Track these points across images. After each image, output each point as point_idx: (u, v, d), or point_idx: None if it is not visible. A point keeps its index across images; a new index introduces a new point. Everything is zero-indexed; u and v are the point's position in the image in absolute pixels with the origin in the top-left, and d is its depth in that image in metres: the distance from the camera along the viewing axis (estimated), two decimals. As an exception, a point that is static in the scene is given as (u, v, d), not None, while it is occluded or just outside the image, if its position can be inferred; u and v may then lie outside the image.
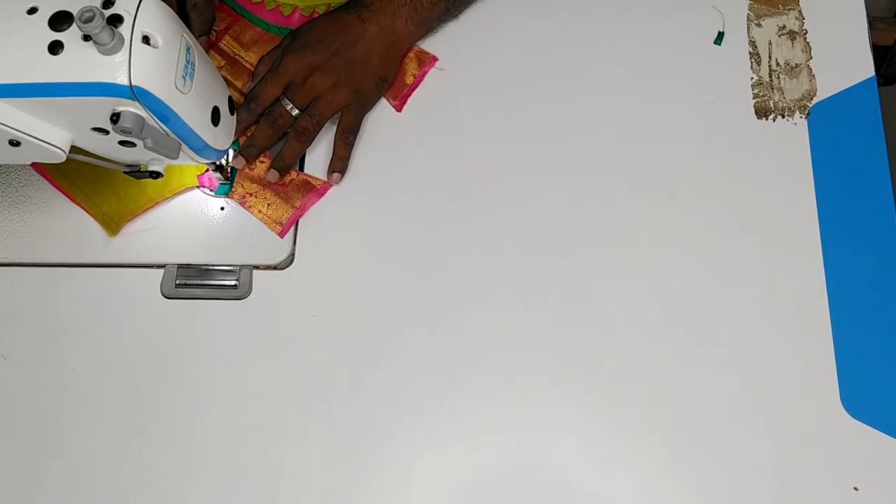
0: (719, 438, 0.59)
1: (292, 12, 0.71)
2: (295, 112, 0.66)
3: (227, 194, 0.66)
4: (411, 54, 0.70)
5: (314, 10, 0.71)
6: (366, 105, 0.68)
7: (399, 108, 0.69)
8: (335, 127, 0.68)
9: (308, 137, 0.66)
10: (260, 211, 0.66)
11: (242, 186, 0.66)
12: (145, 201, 0.66)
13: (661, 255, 0.64)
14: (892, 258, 0.63)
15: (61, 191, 0.67)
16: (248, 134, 0.67)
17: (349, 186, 0.67)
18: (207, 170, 0.66)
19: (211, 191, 0.66)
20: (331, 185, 0.66)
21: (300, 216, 0.66)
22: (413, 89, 0.70)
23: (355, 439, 0.60)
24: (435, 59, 0.70)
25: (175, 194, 0.66)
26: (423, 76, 0.70)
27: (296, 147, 0.66)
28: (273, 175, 0.66)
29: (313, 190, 0.66)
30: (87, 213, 0.66)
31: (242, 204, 0.66)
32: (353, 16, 0.67)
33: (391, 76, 0.69)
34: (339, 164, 0.67)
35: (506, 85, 0.70)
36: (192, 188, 0.66)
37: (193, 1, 0.67)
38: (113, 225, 0.65)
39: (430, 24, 0.69)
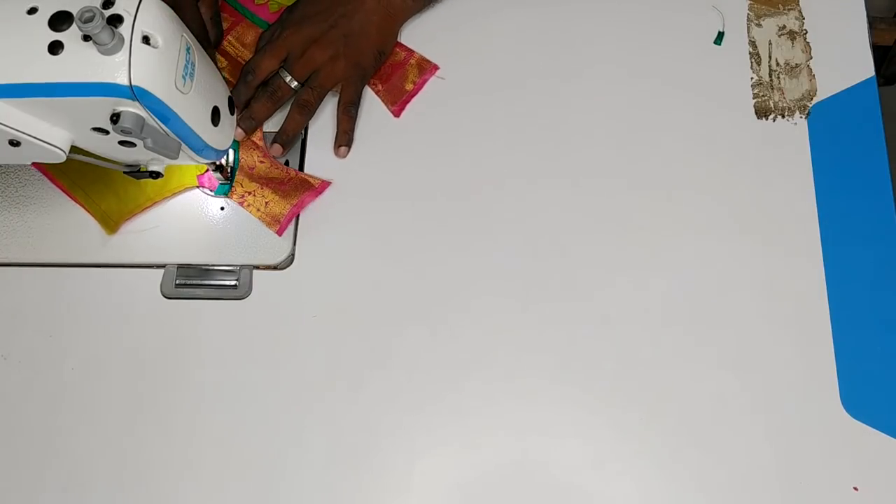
0: (719, 438, 0.59)
1: None
2: (294, 84, 0.66)
3: (226, 194, 0.66)
4: (412, 61, 0.70)
5: None
6: (364, 78, 0.69)
7: (397, 114, 0.69)
8: (335, 100, 0.68)
9: (310, 110, 0.67)
10: (258, 209, 0.66)
11: (241, 185, 0.66)
12: (144, 200, 0.66)
13: (661, 255, 0.64)
14: (892, 258, 0.63)
15: (62, 188, 0.67)
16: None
17: (349, 186, 0.67)
18: (207, 170, 0.66)
19: (211, 191, 0.66)
20: (328, 184, 0.66)
21: (298, 212, 0.66)
22: (412, 96, 0.70)
23: (355, 439, 0.60)
24: (436, 67, 0.70)
25: (174, 194, 0.66)
26: (423, 84, 0.70)
27: (298, 120, 0.67)
28: (276, 149, 0.67)
29: (311, 188, 0.66)
30: (87, 211, 0.66)
31: (241, 203, 0.66)
32: None
33: (388, 49, 0.70)
34: (345, 137, 0.67)
35: (505, 85, 0.70)
36: (191, 188, 0.66)
37: (209, 14, 0.68)
38: (112, 223, 0.65)
39: None
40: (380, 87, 0.70)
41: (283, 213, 0.65)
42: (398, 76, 0.70)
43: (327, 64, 0.66)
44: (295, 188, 0.66)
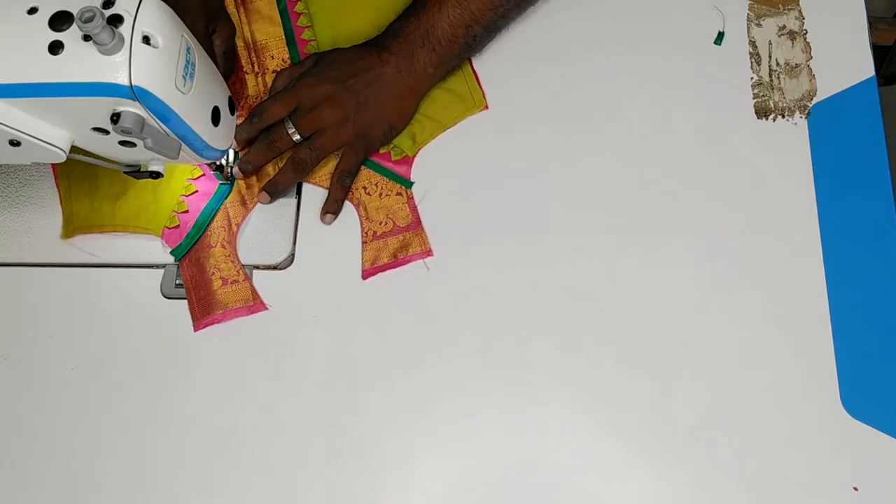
0: (719, 438, 0.59)
1: None
2: (296, 137, 0.65)
3: (185, 251, 0.64)
4: (414, 233, 0.65)
5: None
6: (369, 150, 0.66)
7: (365, 278, 0.64)
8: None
9: (305, 170, 0.65)
10: (193, 289, 0.64)
11: (195, 261, 0.64)
12: (109, 223, 0.65)
13: (660, 255, 0.64)
14: (892, 258, 0.63)
15: (53, 171, 0.67)
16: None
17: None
18: (177, 226, 0.65)
19: (170, 247, 0.65)
20: (265, 308, 0.63)
21: (220, 321, 0.63)
22: (390, 267, 0.64)
23: (356, 439, 0.60)
24: (429, 253, 0.64)
25: (137, 231, 0.65)
26: (407, 262, 0.64)
27: (290, 177, 0.65)
28: (264, 197, 0.65)
29: (247, 304, 0.63)
30: (60, 203, 0.66)
31: (183, 275, 0.64)
32: (373, 55, 0.65)
33: (402, 125, 0.67)
34: (334, 205, 0.65)
35: (505, 84, 0.70)
36: (154, 237, 0.65)
37: (223, 48, 0.67)
38: (70, 228, 0.65)
39: (451, 64, 0.66)
40: (370, 241, 0.65)
41: (211, 313, 0.63)
42: (392, 241, 0.65)
43: (334, 126, 0.64)
44: (234, 294, 0.64)
